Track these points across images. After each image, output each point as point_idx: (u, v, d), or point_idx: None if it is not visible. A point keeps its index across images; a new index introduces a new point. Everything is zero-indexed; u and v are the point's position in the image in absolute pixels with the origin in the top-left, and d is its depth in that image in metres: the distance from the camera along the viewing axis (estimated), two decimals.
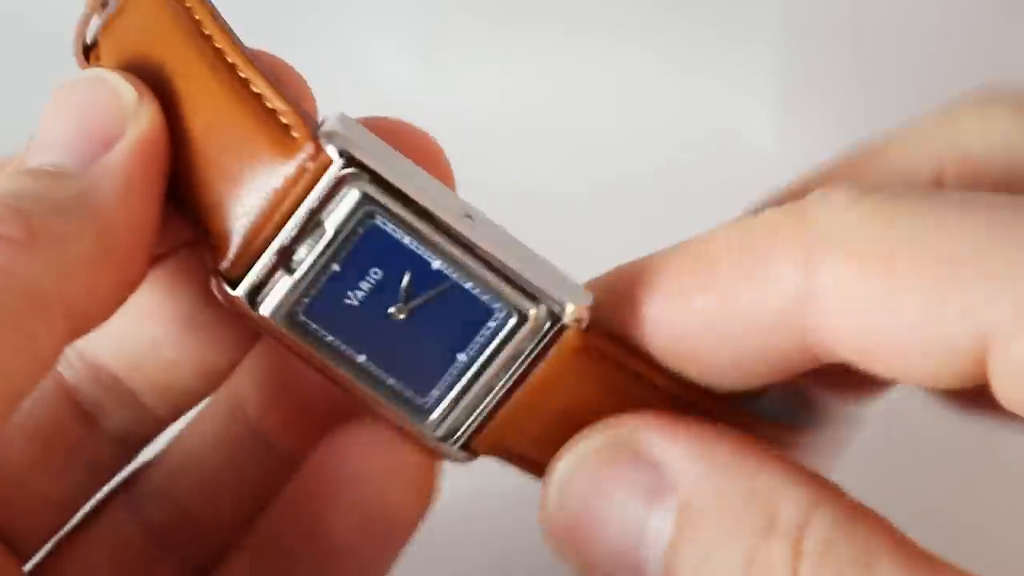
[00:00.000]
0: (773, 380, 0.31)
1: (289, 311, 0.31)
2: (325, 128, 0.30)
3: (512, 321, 0.31)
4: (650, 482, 0.30)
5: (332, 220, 0.30)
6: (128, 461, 0.37)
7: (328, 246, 0.30)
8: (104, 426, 0.35)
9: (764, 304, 0.29)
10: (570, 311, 0.31)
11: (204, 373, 0.35)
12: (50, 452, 0.35)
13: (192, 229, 0.31)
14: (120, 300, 0.31)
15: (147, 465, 0.37)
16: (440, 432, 0.32)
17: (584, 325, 0.31)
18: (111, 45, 0.34)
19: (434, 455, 0.33)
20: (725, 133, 0.62)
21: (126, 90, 0.31)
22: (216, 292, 0.31)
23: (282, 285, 0.31)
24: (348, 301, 0.31)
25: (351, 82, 0.64)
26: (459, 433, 0.32)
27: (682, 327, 0.31)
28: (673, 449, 0.30)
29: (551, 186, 0.61)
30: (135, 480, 0.37)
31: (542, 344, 0.31)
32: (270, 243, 0.30)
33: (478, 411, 0.32)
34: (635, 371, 0.32)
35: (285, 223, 0.30)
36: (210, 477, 0.36)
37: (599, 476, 0.31)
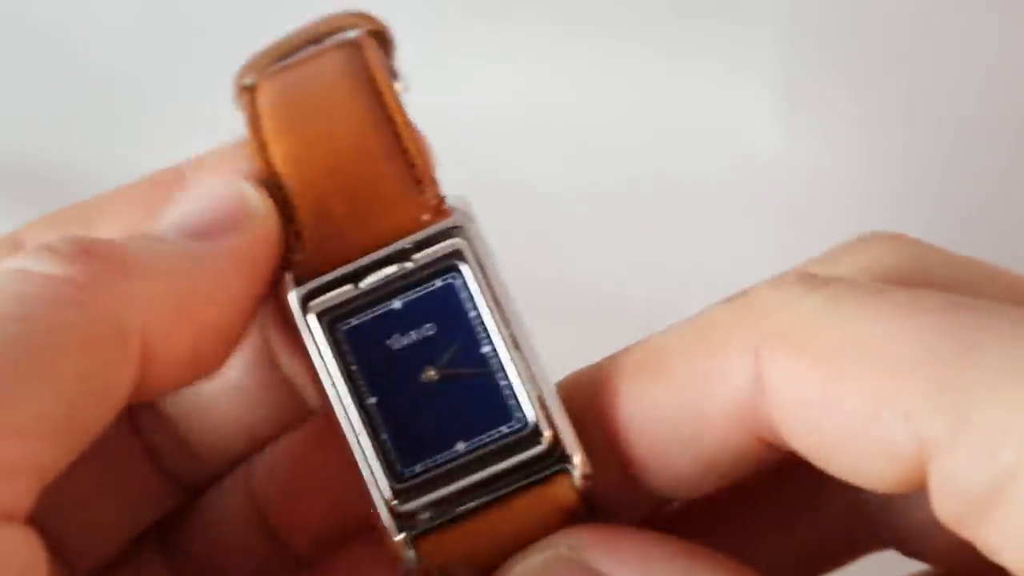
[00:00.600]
0: (738, 478, 0.31)
1: (334, 317, 0.31)
2: (451, 197, 0.32)
3: (523, 434, 0.31)
4: None
5: (421, 255, 0.31)
6: (176, 501, 0.37)
7: (404, 276, 0.31)
8: (161, 465, 0.36)
9: (718, 399, 0.30)
10: (579, 462, 0.31)
11: (247, 436, 0.36)
12: (113, 480, 0.35)
13: (283, 225, 0.33)
14: (200, 366, 0.32)
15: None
16: (401, 508, 0.31)
17: (585, 487, 0.31)
18: (274, 86, 0.37)
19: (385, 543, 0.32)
20: (725, 133, 0.62)
21: (253, 196, 0.33)
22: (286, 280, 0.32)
23: (342, 291, 0.31)
24: (389, 343, 0.31)
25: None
26: (415, 522, 0.31)
27: (642, 428, 0.31)
28: (618, 563, 0.30)
29: (551, 185, 0.61)
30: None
31: (539, 476, 0.31)
32: (355, 260, 0.32)
33: (447, 510, 0.31)
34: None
35: (379, 249, 0.32)
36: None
37: None
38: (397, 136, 0.33)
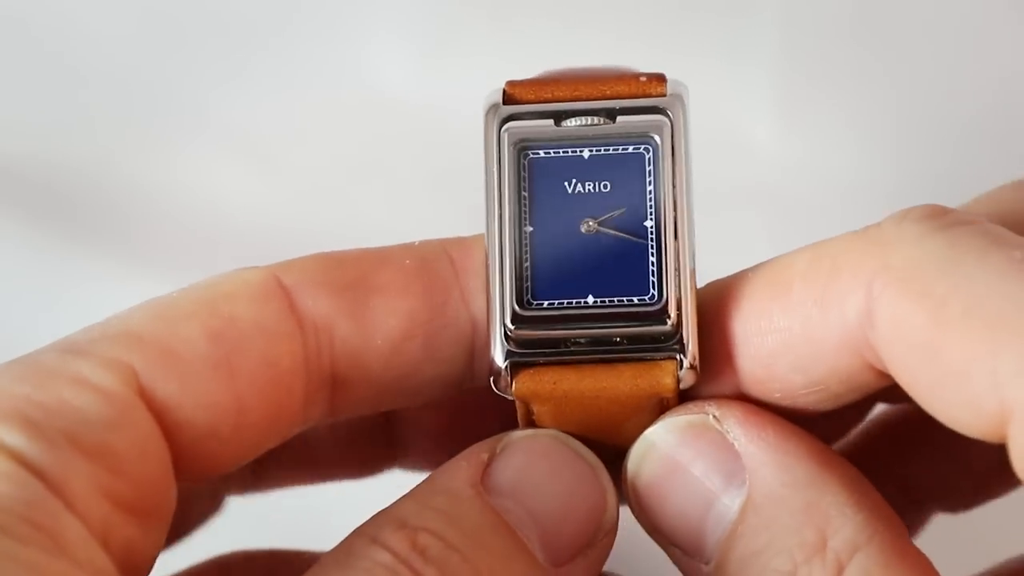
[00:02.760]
0: (850, 399, 0.32)
1: (525, 142, 0.33)
2: (672, 81, 0.34)
3: (652, 309, 0.32)
4: (728, 464, 0.32)
5: (625, 120, 0.33)
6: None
7: (603, 131, 0.33)
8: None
9: (831, 324, 0.30)
10: (687, 362, 0.32)
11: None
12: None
13: None
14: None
15: None
16: (517, 332, 0.32)
17: (685, 384, 0.32)
18: None
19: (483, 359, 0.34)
20: (725, 133, 0.62)
21: (613, 507, 0.33)
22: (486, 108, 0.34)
23: (541, 124, 0.33)
24: (567, 185, 0.33)
25: (351, 82, 0.64)
26: (522, 353, 0.33)
27: (762, 346, 0.32)
28: (753, 443, 0.32)
29: None
30: None
31: (651, 353, 0.32)
32: (567, 101, 0.33)
33: (554, 351, 0.32)
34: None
35: (590, 100, 0.33)
36: None
37: (683, 446, 0.32)
38: None
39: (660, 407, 0.33)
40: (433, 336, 0.34)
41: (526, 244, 0.33)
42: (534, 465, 0.32)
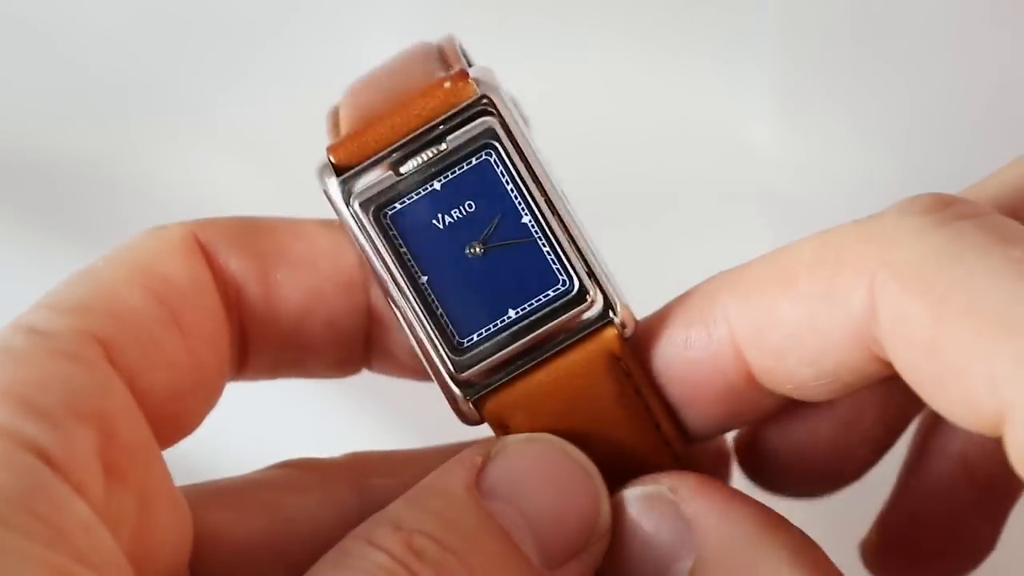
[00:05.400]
0: (854, 388, 0.32)
1: (379, 204, 0.33)
2: (475, 69, 0.33)
3: (571, 296, 0.33)
4: (680, 533, 0.33)
5: (454, 136, 0.33)
6: None
7: (440, 159, 0.33)
8: None
9: (837, 317, 0.31)
10: (621, 310, 0.33)
11: None
12: None
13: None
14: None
15: None
16: (463, 376, 0.33)
17: (628, 333, 0.33)
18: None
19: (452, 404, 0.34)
20: (725, 133, 0.62)
21: (606, 511, 0.33)
22: (319, 175, 0.33)
23: (383, 179, 0.33)
24: (435, 223, 0.33)
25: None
26: (478, 387, 0.33)
27: (772, 339, 0.32)
28: (702, 512, 0.33)
29: None
30: None
31: (588, 331, 0.33)
32: (390, 145, 0.33)
33: (505, 372, 0.33)
34: (647, 404, 0.34)
35: (410, 133, 0.33)
36: None
37: (640, 516, 0.33)
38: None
39: (619, 369, 0.33)
40: (335, 315, 0.35)
41: (429, 294, 0.33)
42: (529, 469, 0.33)
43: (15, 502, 0.27)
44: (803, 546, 0.32)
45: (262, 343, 0.35)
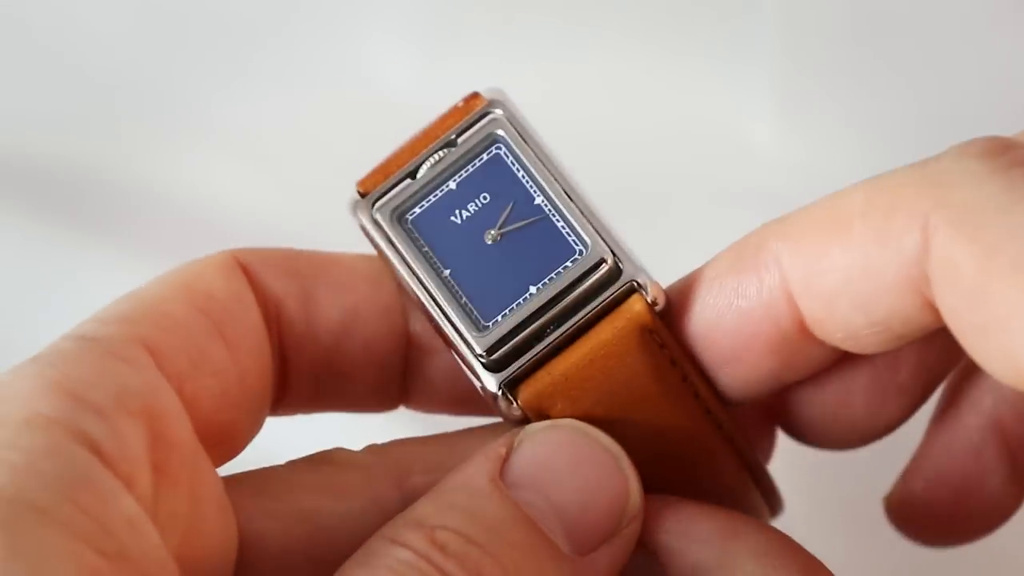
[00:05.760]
0: (906, 340, 0.32)
1: (401, 210, 0.34)
2: (486, 90, 0.35)
3: (589, 263, 0.33)
4: (642, 559, 0.33)
5: (465, 137, 0.34)
6: None
7: (454, 160, 0.34)
8: None
9: (891, 260, 0.30)
10: (651, 286, 0.33)
11: None
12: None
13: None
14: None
15: None
16: (491, 357, 0.33)
17: (660, 306, 0.33)
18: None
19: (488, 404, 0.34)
20: (725, 133, 0.62)
21: (636, 492, 0.33)
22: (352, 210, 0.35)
23: (402, 188, 0.34)
24: (453, 219, 0.34)
25: (351, 82, 0.64)
26: (508, 370, 0.33)
27: (823, 285, 0.32)
28: (663, 532, 0.33)
29: None
30: None
31: (611, 297, 0.33)
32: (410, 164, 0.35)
33: (533, 351, 0.33)
34: (684, 373, 0.34)
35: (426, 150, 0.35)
36: None
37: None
38: None
39: (652, 342, 0.33)
40: (372, 340, 0.35)
41: (453, 285, 0.34)
42: (553, 456, 0.33)
43: (60, 492, 0.27)
44: (768, 542, 0.32)
45: (302, 365, 0.35)
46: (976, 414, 0.36)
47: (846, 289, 0.31)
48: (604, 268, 0.33)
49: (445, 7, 0.64)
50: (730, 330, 0.33)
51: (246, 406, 0.33)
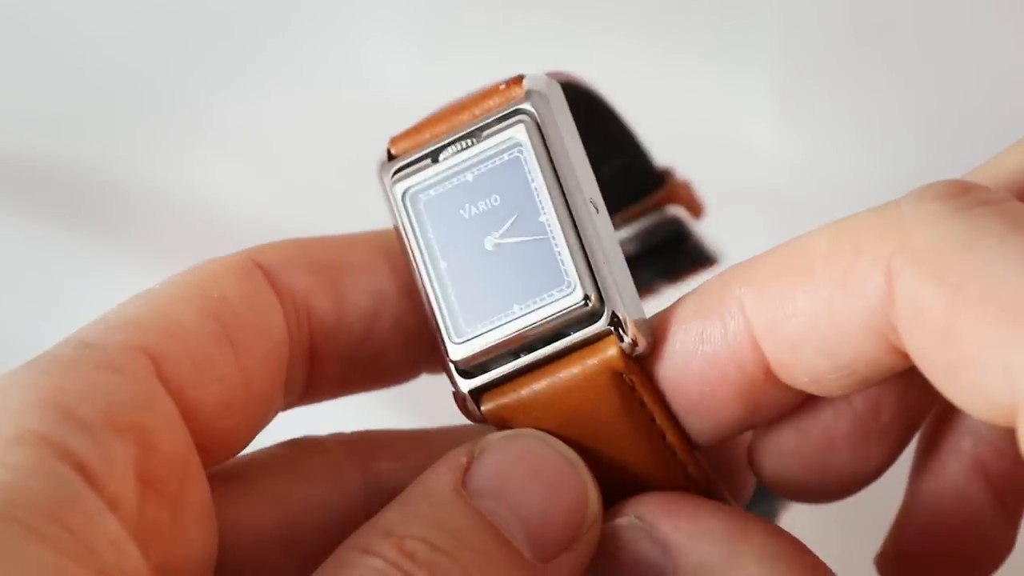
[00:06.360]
0: (871, 382, 0.32)
1: (416, 190, 0.34)
2: (529, 77, 0.35)
3: (574, 298, 0.33)
4: (655, 557, 0.33)
5: (489, 133, 0.34)
6: None
7: (476, 153, 0.34)
8: None
9: (854, 305, 0.30)
10: (632, 328, 0.33)
11: None
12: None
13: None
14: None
15: None
16: (460, 362, 0.34)
17: (636, 351, 0.33)
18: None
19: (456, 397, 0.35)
20: (725, 133, 0.62)
21: (595, 500, 0.33)
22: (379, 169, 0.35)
23: (422, 166, 0.34)
24: (462, 212, 0.34)
25: (351, 82, 0.64)
26: (477, 378, 0.34)
27: (788, 331, 0.32)
28: (673, 531, 0.33)
29: None
30: None
31: (588, 336, 0.33)
32: (443, 140, 0.34)
33: (504, 367, 0.33)
34: (652, 416, 0.34)
35: (463, 130, 0.34)
36: None
37: (619, 549, 0.33)
38: None
39: (622, 384, 0.33)
40: (400, 317, 0.35)
41: (446, 280, 0.34)
42: (513, 465, 0.33)
43: (46, 513, 0.27)
44: (777, 545, 0.32)
45: (334, 355, 0.35)
46: (957, 458, 0.36)
47: (810, 334, 0.31)
48: (586, 306, 0.33)
49: (445, 7, 0.64)
50: (696, 375, 0.33)
51: (250, 411, 0.33)
